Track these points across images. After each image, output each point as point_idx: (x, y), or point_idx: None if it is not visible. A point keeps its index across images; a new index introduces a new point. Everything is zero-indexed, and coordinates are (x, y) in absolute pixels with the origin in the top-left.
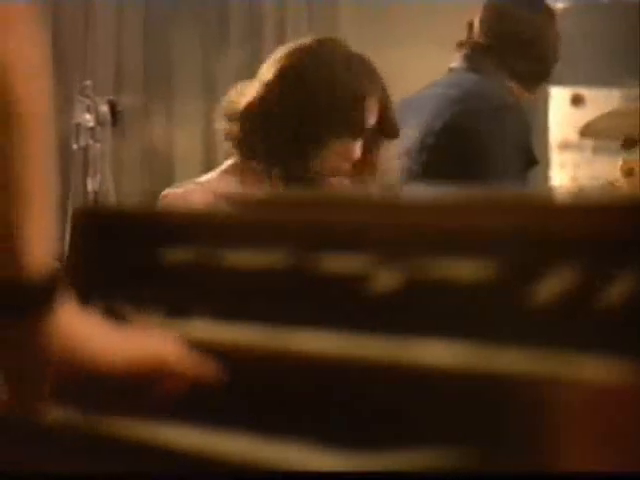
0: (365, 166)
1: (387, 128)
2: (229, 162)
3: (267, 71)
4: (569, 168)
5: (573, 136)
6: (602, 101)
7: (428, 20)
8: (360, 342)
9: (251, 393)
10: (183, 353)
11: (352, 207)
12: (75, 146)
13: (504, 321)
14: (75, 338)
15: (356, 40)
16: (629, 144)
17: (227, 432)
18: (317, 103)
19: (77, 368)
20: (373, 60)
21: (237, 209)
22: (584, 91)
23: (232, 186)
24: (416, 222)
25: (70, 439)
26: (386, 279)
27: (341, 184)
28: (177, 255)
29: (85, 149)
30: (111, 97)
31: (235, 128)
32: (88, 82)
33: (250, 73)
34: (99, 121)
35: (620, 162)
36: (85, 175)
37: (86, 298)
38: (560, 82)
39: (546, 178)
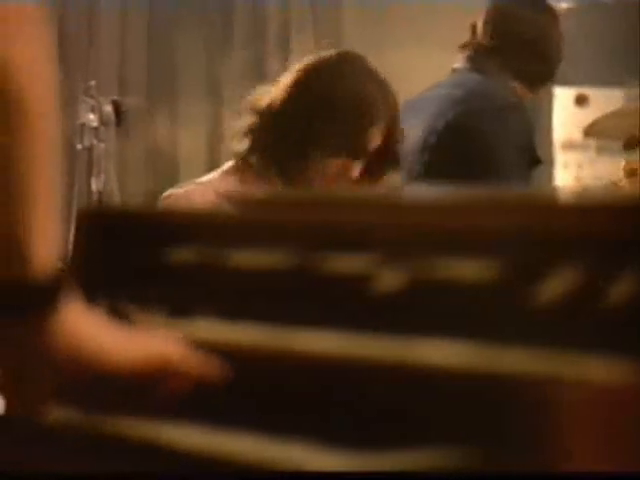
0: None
1: (388, 156)
2: (230, 163)
3: (287, 75)
4: (572, 168)
5: (577, 136)
6: (606, 101)
7: (431, 22)
8: (363, 342)
9: (255, 393)
10: (187, 353)
11: (355, 207)
12: (79, 146)
13: (507, 321)
14: (79, 338)
15: (360, 42)
16: (630, 144)
17: (231, 432)
18: (322, 114)
19: (81, 368)
20: (376, 61)
21: (240, 209)
22: (588, 91)
23: (233, 186)
24: (419, 222)
25: (73, 439)
26: (389, 279)
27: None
28: (181, 255)
29: (89, 149)
30: (115, 97)
31: (255, 121)
32: (92, 82)
33: (254, 75)
34: (103, 121)
35: (623, 163)
36: (89, 175)
37: (90, 298)
38: (564, 82)
39: (550, 178)
